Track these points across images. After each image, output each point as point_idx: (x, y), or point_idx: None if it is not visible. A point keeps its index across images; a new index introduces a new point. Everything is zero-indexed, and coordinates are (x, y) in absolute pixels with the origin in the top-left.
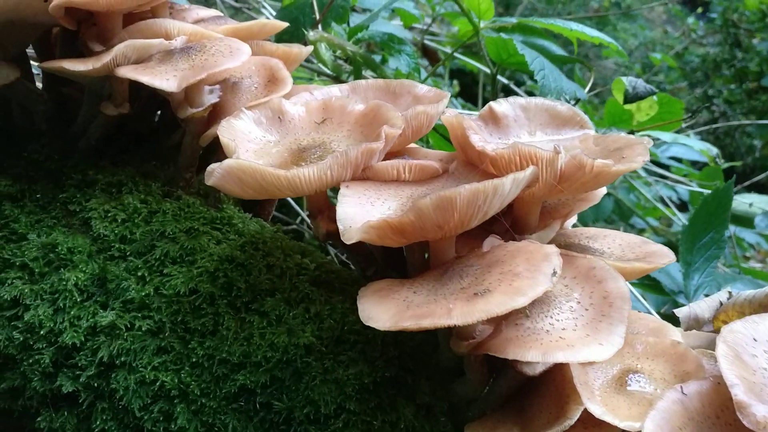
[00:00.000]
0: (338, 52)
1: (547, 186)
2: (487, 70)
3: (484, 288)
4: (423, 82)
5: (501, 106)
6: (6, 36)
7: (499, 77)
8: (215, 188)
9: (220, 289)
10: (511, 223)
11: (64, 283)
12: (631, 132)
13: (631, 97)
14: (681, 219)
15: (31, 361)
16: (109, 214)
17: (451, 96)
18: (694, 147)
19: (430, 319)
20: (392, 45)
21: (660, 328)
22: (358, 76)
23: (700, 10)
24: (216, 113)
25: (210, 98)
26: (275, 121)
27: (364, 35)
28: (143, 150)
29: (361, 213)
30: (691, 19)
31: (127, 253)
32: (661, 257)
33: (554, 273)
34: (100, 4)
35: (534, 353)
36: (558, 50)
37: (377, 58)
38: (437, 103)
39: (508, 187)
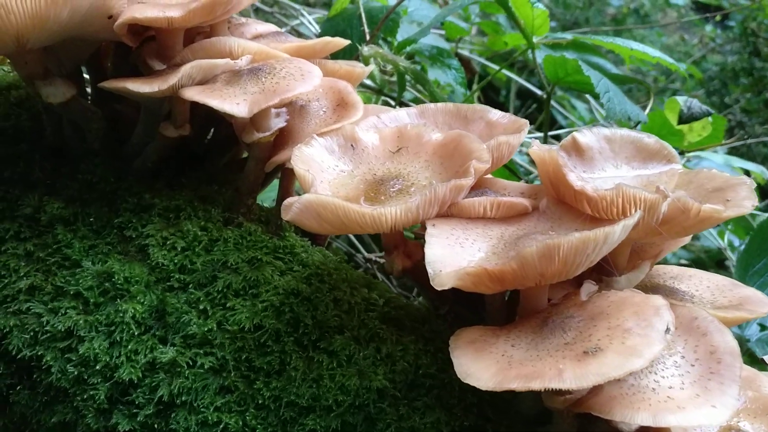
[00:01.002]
0: (389, 67)
1: (646, 229)
2: (519, 80)
3: (593, 345)
4: (466, 99)
5: (585, 137)
6: (63, 51)
7: (510, 80)
8: (277, 214)
9: (286, 325)
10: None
11: (121, 315)
12: (681, 153)
13: (686, 118)
14: (711, 234)
15: (85, 396)
16: (168, 242)
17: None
18: (751, 170)
19: (540, 380)
20: (441, 59)
21: (752, 378)
22: (402, 89)
23: (718, 18)
24: (282, 138)
25: (277, 122)
26: (348, 150)
27: (412, 48)
28: (199, 171)
29: (450, 255)
30: (709, 27)
31: (188, 284)
32: (760, 305)
33: (668, 330)
34: (167, 21)
35: (644, 415)
36: (613, 69)
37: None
38: (519, 134)
39: (618, 234)
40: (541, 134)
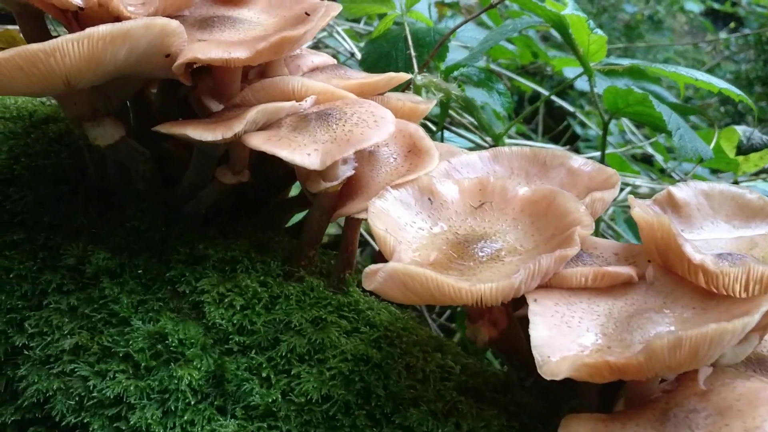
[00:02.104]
0: (440, 95)
1: None
2: (545, 92)
3: None
4: (507, 130)
5: (681, 191)
6: (111, 88)
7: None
8: (338, 267)
9: (357, 396)
10: None
11: (176, 381)
12: (735, 182)
13: (746, 149)
14: None
15: None
16: (225, 299)
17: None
18: None
19: None
20: (489, 83)
21: None
22: (445, 116)
23: (732, 25)
24: (350, 186)
25: (345, 170)
26: (425, 204)
27: (460, 72)
28: (252, 214)
29: (557, 337)
30: (723, 35)
31: (248, 347)
32: None
33: None
34: (232, 63)
35: None
36: (670, 97)
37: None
38: (612, 189)
39: (755, 322)
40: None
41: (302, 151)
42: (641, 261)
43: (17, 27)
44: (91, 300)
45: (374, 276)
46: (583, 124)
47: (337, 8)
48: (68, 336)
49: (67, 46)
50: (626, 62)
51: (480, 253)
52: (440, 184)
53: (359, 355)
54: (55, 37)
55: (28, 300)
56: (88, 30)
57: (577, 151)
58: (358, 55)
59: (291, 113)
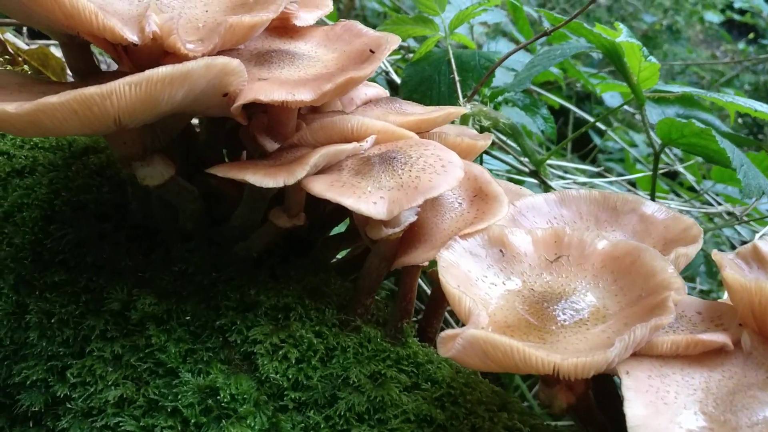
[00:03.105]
0: (487, 123)
1: None
2: (575, 109)
3: None
4: (548, 157)
5: None
6: (160, 124)
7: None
8: (395, 315)
9: None
10: None
11: None
12: None
13: None
14: None
15: None
16: (279, 351)
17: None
18: None
19: None
20: (533, 108)
21: None
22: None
23: (752, 36)
24: (412, 233)
25: (408, 216)
26: (497, 256)
27: (504, 96)
28: (302, 255)
29: (654, 416)
30: (741, 45)
31: (304, 404)
32: None
33: None
34: (296, 104)
35: None
36: (723, 126)
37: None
38: (696, 244)
39: None
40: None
41: (368, 200)
42: (729, 322)
43: (48, 42)
44: (137, 348)
45: (451, 343)
46: (600, 133)
47: (397, 41)
48: (112, 387)
49: (123, 90)
50: (677, 89)
51: (562, 316)
52: (512, 234)
53: (422, 415)
54: (100, 68)
55: (70, 347)
56: (148, 73)
57: (594, 161)
58: (393, 76)
59: (351, 155)
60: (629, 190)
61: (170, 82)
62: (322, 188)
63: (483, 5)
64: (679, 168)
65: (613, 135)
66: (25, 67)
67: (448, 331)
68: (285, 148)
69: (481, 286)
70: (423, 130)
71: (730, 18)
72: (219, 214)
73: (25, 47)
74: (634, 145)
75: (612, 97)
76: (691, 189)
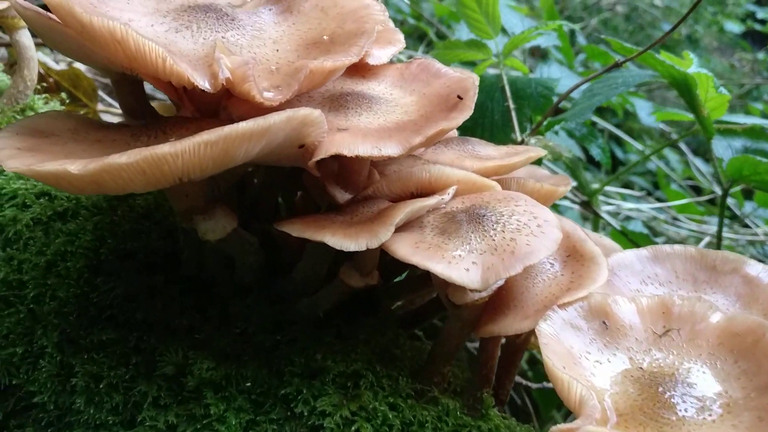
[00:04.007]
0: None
1: None
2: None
3: None
4: (602, 188)
5: None
6: (224, 173)
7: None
8: (475, 384)
9: None
10: None
11: None
12: None
13: None
14: None
15: None
16: (352, 426)
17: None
18: None
19: None
20: (591, 138)
21: None
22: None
23: None
24: (499, 296)
25: (497, 280)
26: (599, 329)
27: (562, 126)
28: (368, 312)
29: None
30: (761, 55)
31: None
32: None
33: None
34: (381, 159)
35: None
36: None
37: None
38: None
39: None
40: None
41: (459, 266)
42: None
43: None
44: (193, 418)
45: None
46: (618, 141)
47: (477, 80)
48: None
49: (198, 149)
50: (743, 119)
51: (681, 404)
52: (615, 304)
53: None
54: (151, 106)
55: (119, 414)
56: (226, 130)
57: (614, 171)
58: None
59: (433, 209)
60: (674, 218)
61: (248, 138)
62: (407, 252)
63: (540, 29)
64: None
65: (654, 160)
66: (63, 94)
67: (562, 427)
68: (360, 201)
69: (585, 364)
70: (501, 175)
71: (750, 28)
72: (279, 263)
73: (55, 66)
74: (663, 158)
75: (648, 116)
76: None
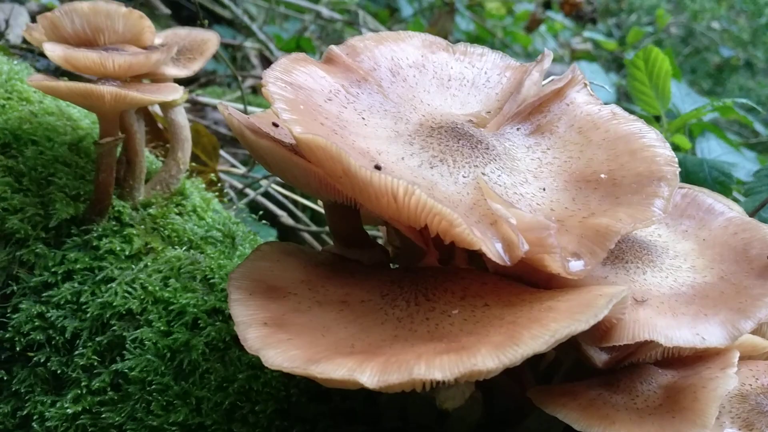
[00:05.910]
0: None
1: None
2: None
3: None
4: None
5: None
6: None
7: None
8: None
9: None
10: None
11: None
12: None
13: None
14: None
15: None
16: None
17: None
18: None
19: None
20: None
21: None
22: None
23: None
24: None
25: None
26: None
27: None
28: None
29: None
30: None
31: None
32: None
33: None
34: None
35: None
36: None
37: None
38: None
39: None
40: None
41: None
42: None
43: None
44: None
45: None
46: None
47: None
48: None
49: (514, 355)
50: None
51: None
52: None
53: None
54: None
55: None
56: (525, 338)
57: None
58: None
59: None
60: None
61: (557, 341)
62: None
63: (714, 104)
64: None
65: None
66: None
67: None
68: (626, 370)
69: None
70: None
71: None
72: (494, 410)
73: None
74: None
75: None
76: None
